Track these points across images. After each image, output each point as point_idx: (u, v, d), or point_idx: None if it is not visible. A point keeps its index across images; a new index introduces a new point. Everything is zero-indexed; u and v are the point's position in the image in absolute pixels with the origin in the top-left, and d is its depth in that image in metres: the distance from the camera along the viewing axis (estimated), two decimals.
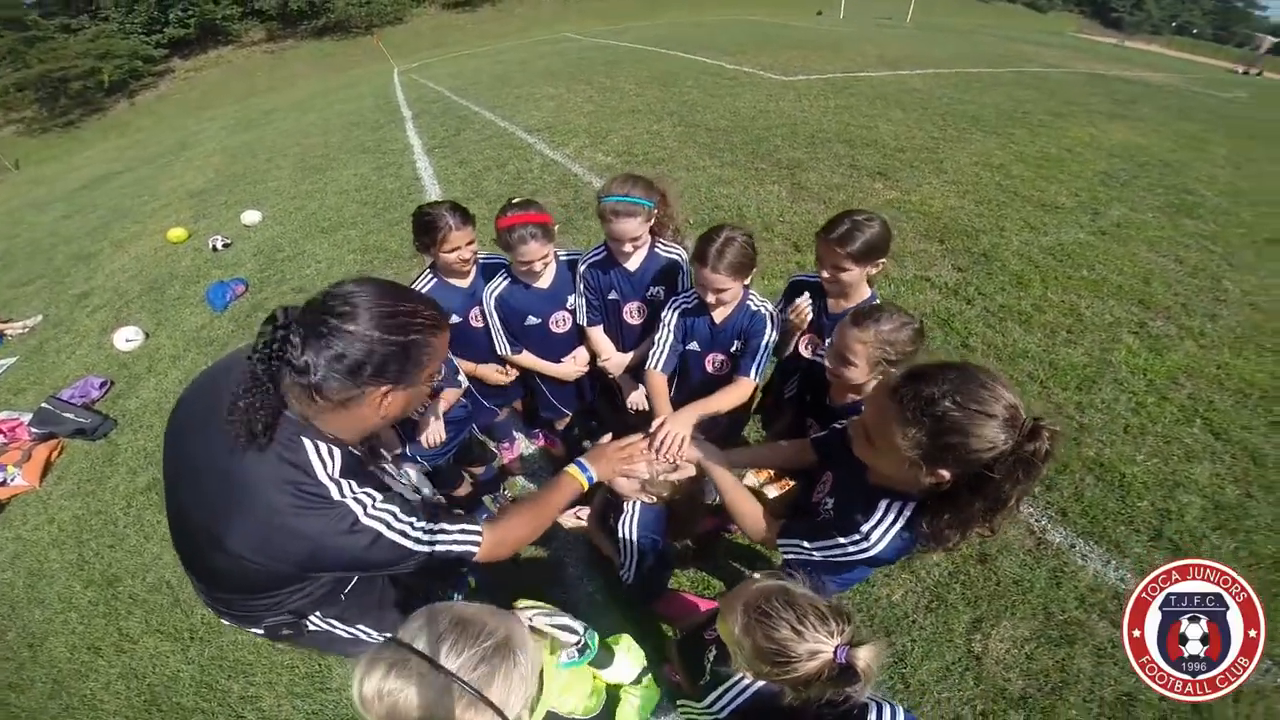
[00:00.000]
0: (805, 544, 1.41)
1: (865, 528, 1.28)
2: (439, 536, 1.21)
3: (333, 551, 1.10)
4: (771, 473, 3.12)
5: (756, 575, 1.26)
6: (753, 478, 3.14)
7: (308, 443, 1.10)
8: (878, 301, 1.93)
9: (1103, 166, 6.57)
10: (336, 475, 1.11)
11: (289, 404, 1.10)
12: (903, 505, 1.26)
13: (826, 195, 5.77)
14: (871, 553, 1.28)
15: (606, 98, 9.62)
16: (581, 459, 1.53)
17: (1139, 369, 3.61)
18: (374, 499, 1.14)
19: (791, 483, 3.07)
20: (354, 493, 1.12)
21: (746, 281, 1.97)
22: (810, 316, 2.10)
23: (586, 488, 1.51)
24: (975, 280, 4.43)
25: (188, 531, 1.18)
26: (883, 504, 1.28)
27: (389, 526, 1.14)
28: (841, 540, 1.32)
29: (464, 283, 2.37)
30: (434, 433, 2.23)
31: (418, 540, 1.17)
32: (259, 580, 1.17)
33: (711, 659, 1.46)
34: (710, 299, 1.94)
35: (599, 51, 15.01)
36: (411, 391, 1.16)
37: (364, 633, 1.50)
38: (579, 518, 2.29)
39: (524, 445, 3.36)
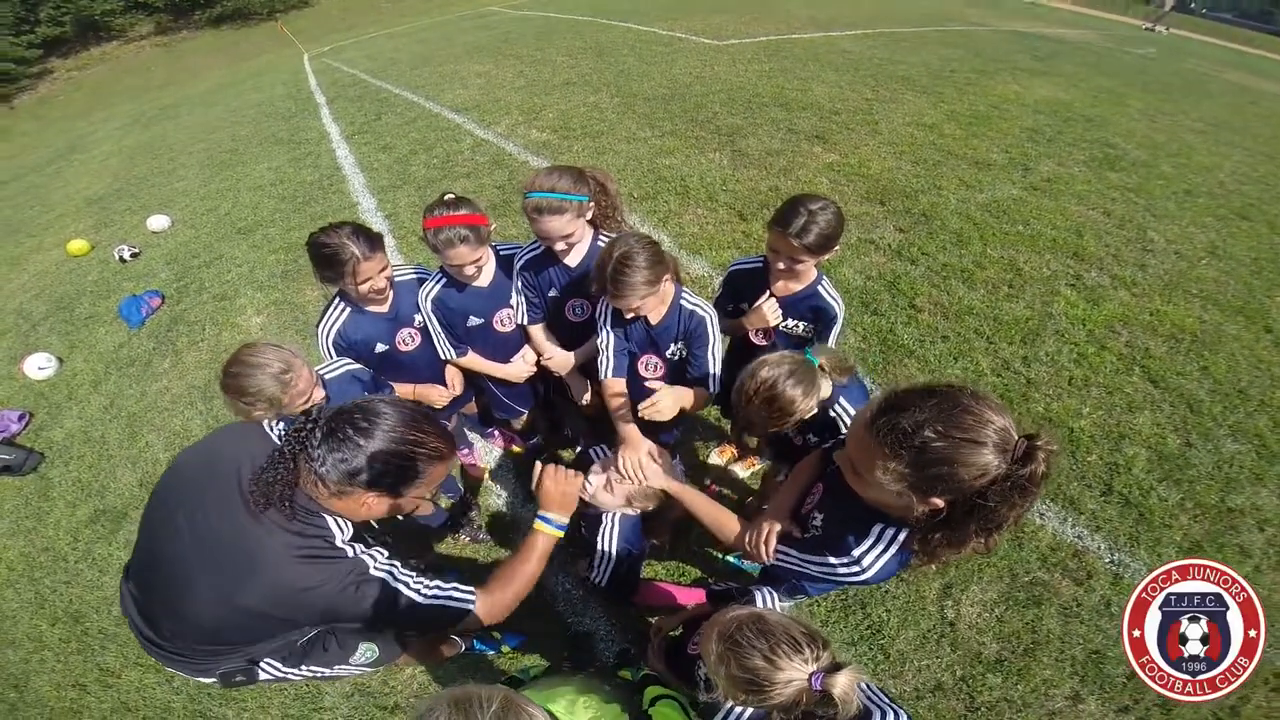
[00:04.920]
0: (795, 553, 1.36)
1: (857, 552, 1.22)
2: (435, 591, 1.36)
3: (348, 600, 1.26)
4: (735, 451, 3.07)
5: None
6: (717, 458, 3.09)
7: (327, 517, 1.30)
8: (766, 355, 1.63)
9: (1029, 123, 6.74)
10: (348, 540, 1.32)
11: (301, 484, 1.26)
12: (897, 530, 1.20)
13: (767, 161, 5.72)
14: (863, 577, 1.22)
15: (538, 71, 9.19)
16: (541, 511, 1.54)
17: (1078, 319, 3.73)
18: (379, 555, 1.33)
19: (758, 462, 3.04)
20: (364, 551, 1.32)
21: (666, 276, 1.83)
22: (776, 322, 2.01)
23: (563, 535, 1.54)
24: (917, 240, 4.48)
25: (176, 585, 1.26)
26: (876, 529, 1.22)
27: (393, 577, 1.31)
28: (833, 561, 1.26)
29: (382, 308, 2.14)
30: None
31: (418, 592, 1.33)
32: (252, 633, 1.32)
33: (704, 675, 1.41)
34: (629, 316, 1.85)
35: (527, 23, 14.31)
36: (395, 501, 1.30)
37: (312, 672, 1.60)
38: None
39: (484, 450, 3.20)
